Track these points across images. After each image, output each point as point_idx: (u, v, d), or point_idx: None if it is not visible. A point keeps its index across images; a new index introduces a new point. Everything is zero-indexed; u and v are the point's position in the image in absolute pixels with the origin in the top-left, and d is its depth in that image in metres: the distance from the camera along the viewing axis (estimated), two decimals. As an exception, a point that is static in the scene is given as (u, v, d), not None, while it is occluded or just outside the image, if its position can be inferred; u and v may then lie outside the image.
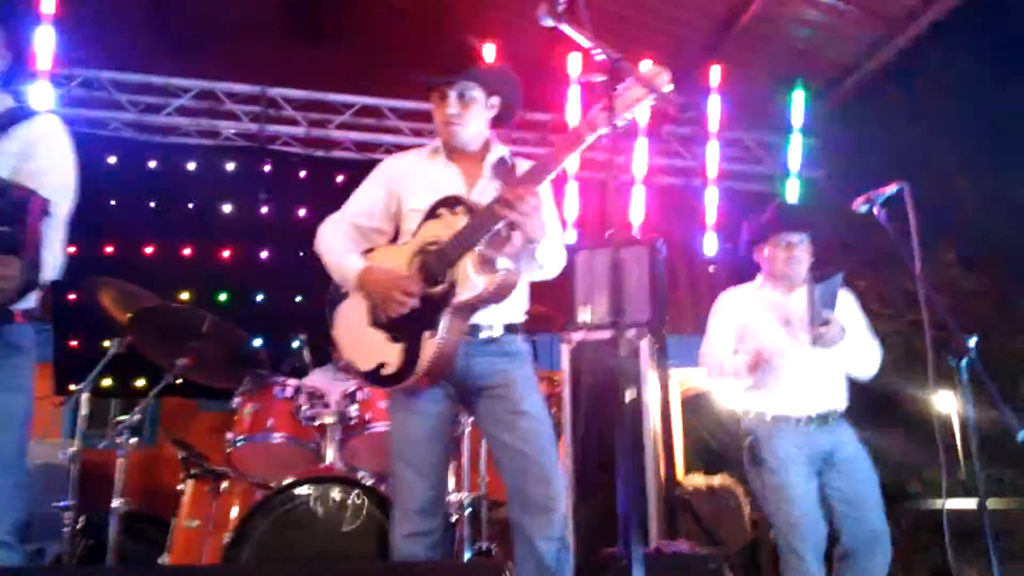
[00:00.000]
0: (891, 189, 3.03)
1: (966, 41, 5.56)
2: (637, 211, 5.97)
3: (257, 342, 4.32)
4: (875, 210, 3.09)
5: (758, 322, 3.36)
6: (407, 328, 2.54)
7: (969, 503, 3.93)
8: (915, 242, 2.86)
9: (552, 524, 2.50)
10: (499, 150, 2.77)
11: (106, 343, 3.87)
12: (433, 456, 2.62)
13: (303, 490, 3.16)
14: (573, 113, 5.84)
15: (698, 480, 6.52)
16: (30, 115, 2.42)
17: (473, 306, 2.54)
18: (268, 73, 5.70)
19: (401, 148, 3.39)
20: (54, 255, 2.36)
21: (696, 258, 6.12)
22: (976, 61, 5.43)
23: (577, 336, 4.17)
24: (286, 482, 3.18)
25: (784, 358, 3.26)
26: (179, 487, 3.90)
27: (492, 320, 2.64)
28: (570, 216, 5.86)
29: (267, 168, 5.77)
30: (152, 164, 5.66)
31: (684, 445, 7.30)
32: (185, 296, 5.43)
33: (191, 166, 5.70)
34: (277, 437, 3.63)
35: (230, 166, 5.73)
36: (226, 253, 5.69)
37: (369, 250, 2.72)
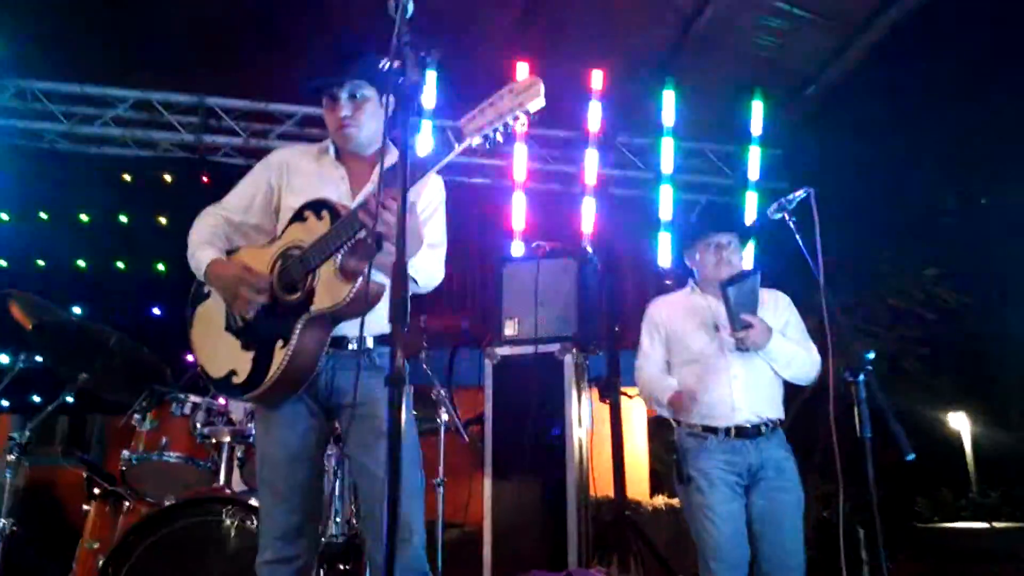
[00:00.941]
0: (799, 194, 2.92)
1: (930, 46, 5.43)
2: (588, 222, 5.81)
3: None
4: (786, 216, 2.97)
5: (685, 330, 3.18)
6: (261, 336, 2.38)
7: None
8: (819, 249, 2.75)
9: (408, 556, 2.32)
10: (395, 155, 2.62)
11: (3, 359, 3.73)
12: (295, 478, 2.42)
13: (186, 511, 3.00)
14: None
15: (659, 502, 6.36)
16: None
17: (331, 316, 2.37)
18: (206, 83, 5.57)
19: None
20: None
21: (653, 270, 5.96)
22: (942, 66, 5.31)
23: (502, 351, 4.00)
24: (167, 503, 3.02)
25: (711, 366, 3.09)
26: (84, 507, 3.75)
27: (363, 331, 2.48)
28: (517, 227, 5.70)
29: (205, 180, 5.63)
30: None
31: (650, 466, 7.12)
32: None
33: (127, 177, 5.57)
34: (172, 456, 3.47)
35: (168, 177, 5.59)
36: (161, 266, 5.53)
37: (233, 250, 2.56)
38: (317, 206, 2.41)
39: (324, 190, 2.47)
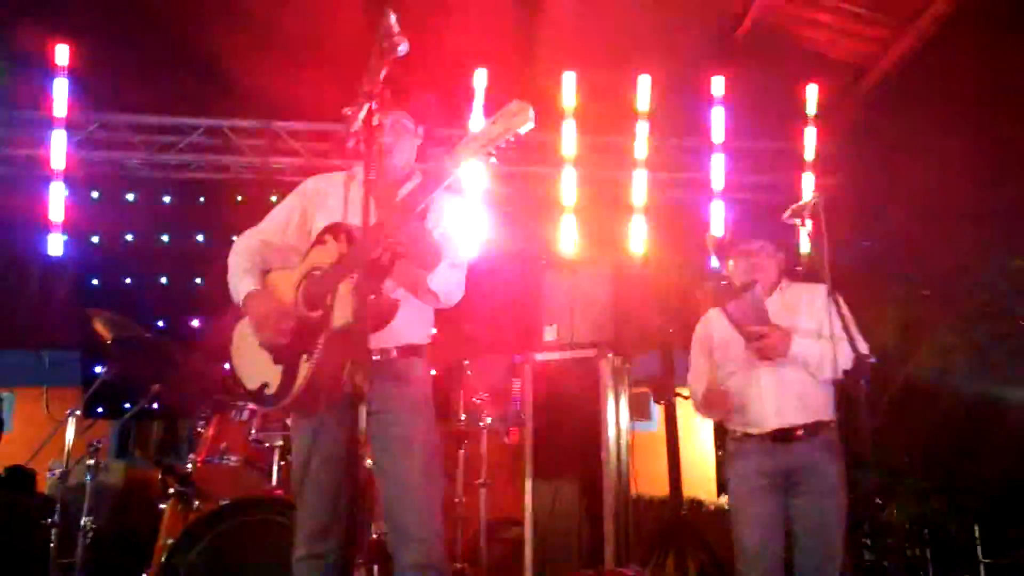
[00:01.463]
0: (810, 199, 2.96)
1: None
2: (639, 231, 5.84)
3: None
4: (800, 221, 3.01)
5: (723, 343, 3.25)
6: (289, 350, 2.59)
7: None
8: (826, 253, 2.79)
9: (425, 553, 2.49)
10: (418, 177, 2.80)
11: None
12: (324, 482, 2.62)
13: (240, 511, 3.27)
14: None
15: (724, 501, 6.37)
16: None
17: (347, 334, 2.56)
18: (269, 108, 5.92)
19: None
20: None
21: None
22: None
23: (540, 356, 4.15)
24: (222, 503, 3.29)
25: (745, 375, 3.14)
26: (160, 506, 4.09)
27: (387, 343, 2.67)
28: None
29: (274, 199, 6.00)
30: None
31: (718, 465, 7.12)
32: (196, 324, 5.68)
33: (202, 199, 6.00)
34: (232, 459, 3.76)
35: (239, 198, 5.97)
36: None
37: (269, 271, 2.79)
38: (335, 230, 2.61)
39: (352, 214, 2.67)
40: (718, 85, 6.12)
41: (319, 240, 2.65)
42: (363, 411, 2.52)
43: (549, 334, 4.21)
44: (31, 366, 6.53)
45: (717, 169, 6.07)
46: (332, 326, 2.53)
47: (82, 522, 3.78)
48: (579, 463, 3.93)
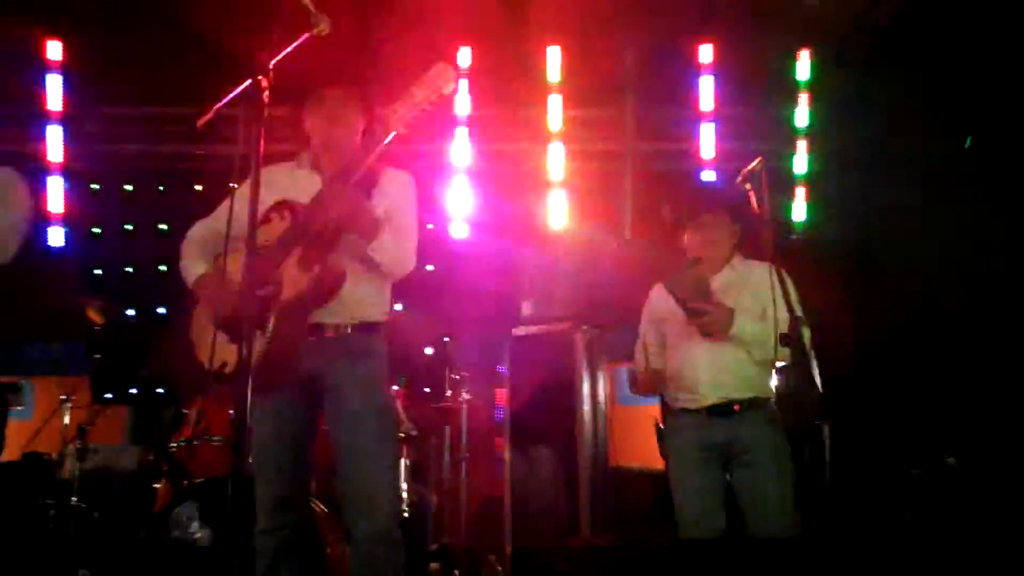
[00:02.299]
0: (755, 164, 2.94)
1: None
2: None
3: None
4: (748, 186, 2.99)
5: (664, 317, 3.26)
6: (242, 329, 2.65)
7: None
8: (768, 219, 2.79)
9: (374, 522, 2.56)
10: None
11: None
12: (281, 457, 2.71)
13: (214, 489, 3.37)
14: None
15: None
16: None
17: (299, 306, 2.62)
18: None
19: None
20: None
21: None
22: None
23: (518, 331, 4.18)
24: (197, 480, 3.39)
25: (681, 349, 3.16)
26: (154, 485, 4.23)
27: (341, 319, 2.73)
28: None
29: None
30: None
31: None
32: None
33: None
34: (216, 439, 3.86)
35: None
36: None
37: (219, 255, 2.86)
38: (280, 208, 2.68)
39: (297, 196, 2.73)
40: (706, 53, 6.05)
41: (265, 219, 2.69)
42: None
43: (527, 308, 4.24)
44: (48, 356, 6.74)
45: (707, 139, 6.01)
46: (280, 300, 2.59)
47: (72, 502, 3.91)
48: (557, 436, 3.97)
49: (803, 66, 6.11)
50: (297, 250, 2.60)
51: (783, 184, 5.97)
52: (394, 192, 2.81)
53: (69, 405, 4.36)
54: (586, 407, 3.91)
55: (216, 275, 2.75)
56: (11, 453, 5.20)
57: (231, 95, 2.13)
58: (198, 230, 2.92)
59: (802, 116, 6.11)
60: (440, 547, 4.12)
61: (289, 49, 2.16)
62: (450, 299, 4.25)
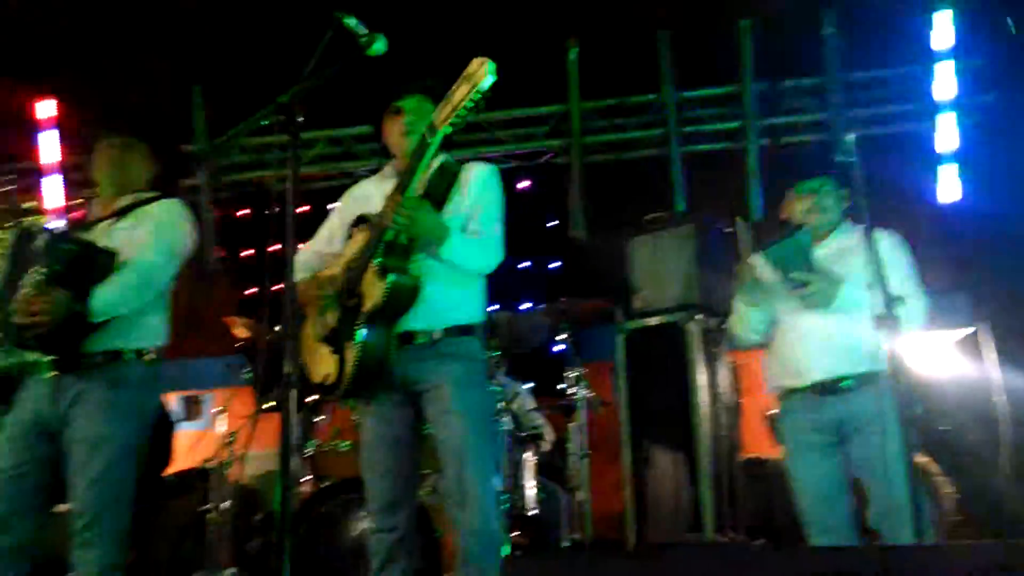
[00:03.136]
0: (850, 137, 2.74)
1: None
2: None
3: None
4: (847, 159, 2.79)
5: (776, 285, 3.09)
6: (339, 340, 2.77)
7: None
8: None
9: (473, 518, 2.59)
10: (440, 158, 2.87)
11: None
12: (388, 461, 2.78)
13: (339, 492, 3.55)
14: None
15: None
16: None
17: (380, 315, 2.70)
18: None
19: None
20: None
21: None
22: None
23: (631, 324, 4.11)
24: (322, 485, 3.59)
25: (787, 324, 2.98)
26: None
27: (431, 325, 2.78)
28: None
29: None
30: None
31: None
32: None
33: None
34: (344, 444, 4.06)
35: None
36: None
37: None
38: (359, 222, 2.79)
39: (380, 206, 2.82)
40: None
41: (350, 236, 2.84)
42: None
43: (637, 301, 4.16)
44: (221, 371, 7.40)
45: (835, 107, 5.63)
46: (363, 311, 2.69)
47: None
48: (676, 430, 3.86)
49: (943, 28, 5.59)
50: (373, 262, 2.68)
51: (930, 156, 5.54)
52: (475, 189, 2.83)
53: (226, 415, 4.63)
54: (703, 398, 3.77)
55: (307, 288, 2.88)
56: (193, 460, 5.72)
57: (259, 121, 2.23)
58: (302, 256, 2.99)
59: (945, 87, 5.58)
60: (572, 543, 4.12)
61: (331, 73, 2.22)
62: (570, 295, 4.21)
